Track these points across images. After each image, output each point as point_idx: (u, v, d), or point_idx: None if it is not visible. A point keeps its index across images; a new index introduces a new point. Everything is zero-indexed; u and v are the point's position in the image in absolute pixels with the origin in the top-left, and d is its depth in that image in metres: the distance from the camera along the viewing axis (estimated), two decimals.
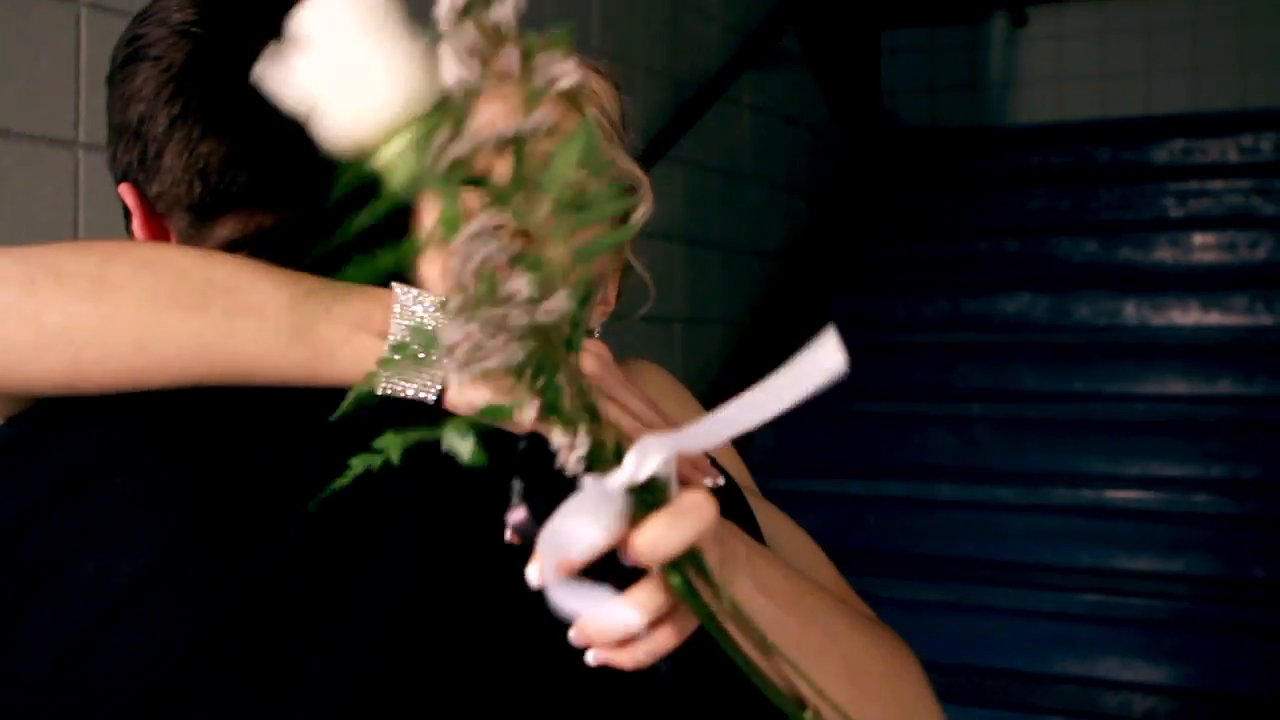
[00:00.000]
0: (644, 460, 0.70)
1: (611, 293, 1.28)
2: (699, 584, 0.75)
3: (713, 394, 4.43)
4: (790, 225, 4.72)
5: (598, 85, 1.27)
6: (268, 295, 0.94)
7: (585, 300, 0.68)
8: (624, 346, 1.32)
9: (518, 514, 0.69)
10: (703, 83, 4.00)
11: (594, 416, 0.70)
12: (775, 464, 4.15)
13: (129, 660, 0.89)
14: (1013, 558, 3.55)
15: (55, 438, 0.98)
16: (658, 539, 0.71)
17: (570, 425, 0.69)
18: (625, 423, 0.96)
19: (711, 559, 0.77)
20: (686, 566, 0.74)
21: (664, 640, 0.76)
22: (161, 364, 0.95)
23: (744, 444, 4.29)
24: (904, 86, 5.61)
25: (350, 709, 0.88)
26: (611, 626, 0.73)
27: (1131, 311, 4.17)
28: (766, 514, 1.13)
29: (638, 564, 0.72)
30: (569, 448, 0.69)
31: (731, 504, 0.99)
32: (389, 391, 0.92)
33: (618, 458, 0.70)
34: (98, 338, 0.95)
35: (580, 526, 0.69)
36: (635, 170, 1.30)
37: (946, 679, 3.28)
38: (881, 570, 3.58)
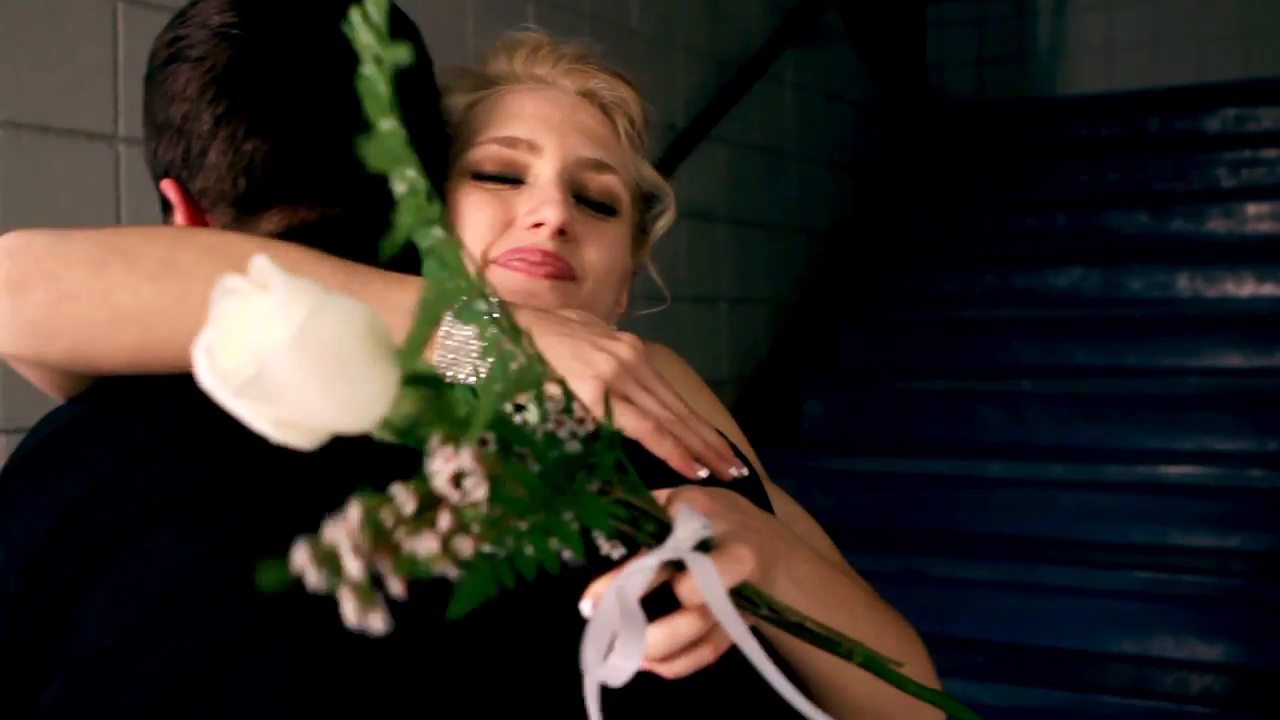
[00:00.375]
0: (686, 534, 0.79)
1: (624, 297, 1.30)
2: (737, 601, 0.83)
3: (760, 374, 4.42)
4: (835, 203, 4.69)
5: (625, 93, 1.29)
6: (326, 281, 0.97)
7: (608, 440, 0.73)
8: (671, 328, 1.32)
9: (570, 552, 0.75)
10: (744, 61, 3.97)
11: (633, 520, 0.77)
12: (825, 443, 4.13)
13: (188, 638, 0.93)
14: (1065, 535, 3.52)
15: (118, 417, 1.02)
16: (697, 591, 0.79)
17: (611, 535, 0.75)
18: (656, 414, 0.99)
19: (753, 579, 0.84)
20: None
21: (704, 655, 0.82)
22: None
23: (793, 424, 4.28)
24: (950, 60, 5.55)
25: (387, 692, 0.91)
26: (658, 646, 0.81)
27: (1185, 284, 4.11)
28: (772, 495, 1.16)
29: (684, 603, 0.81)
30: (612, 548, 0.76)
31: (753, 493, 1.01)
32: (444, 369, 0.96)
33: (657, 537, 0.78)
34: (165, 317, 0.98)
35: (636, 581, 0.78)
36: (658, 179, 1.32)
37: (998, 658, 3.26)
38: (932, 549, 3.56)
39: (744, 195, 4.08)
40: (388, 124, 0.63)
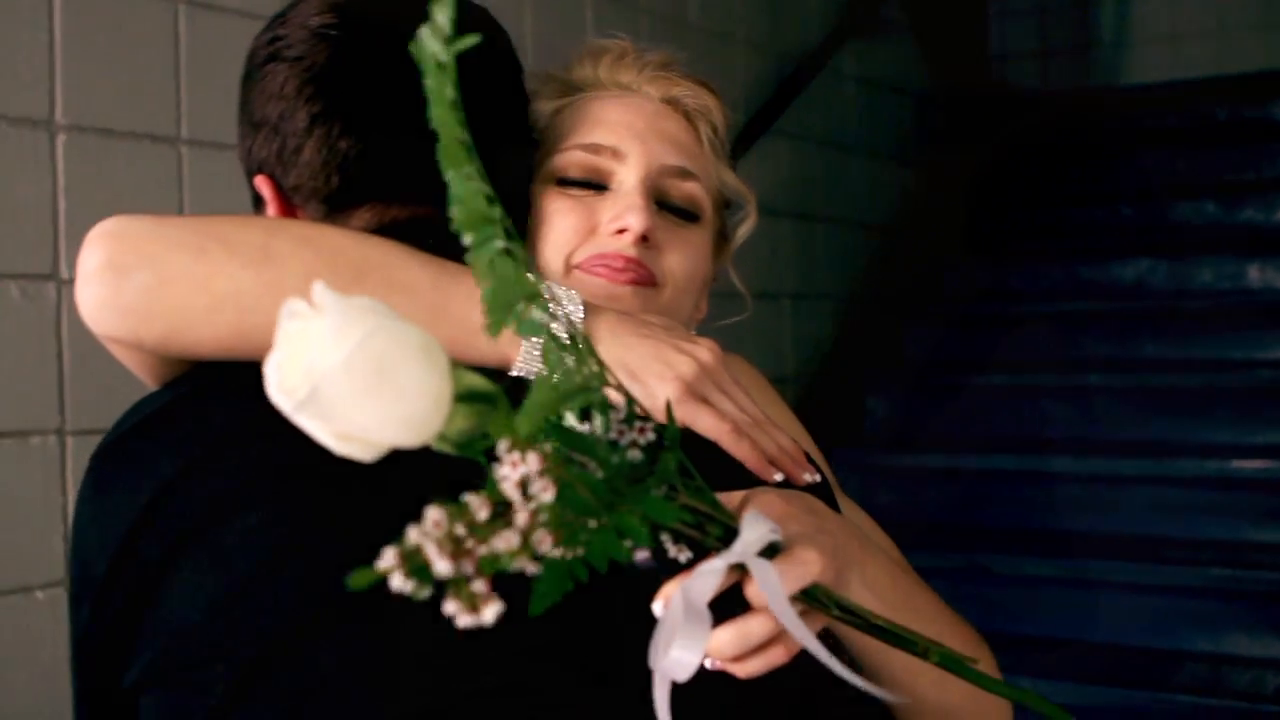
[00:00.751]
0: (754, 541, 0.80)
1: (704, 303, 1.32)
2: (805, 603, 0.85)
3: (824, 371, 4.38)
4: (897, 196, 4.65)
5: (709, 101, 1.31)
6: (417, 274, 1.02)
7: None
8: (734, 324, 1.34)
9: (642, 554, 0.76)
10: (804, 55, 3.95)
11: (698, 524, 0.79)
12: (889, 440, 4.10)
13: (272, 614, 0.97)
14: (1136, 531, 3.47)
15: (208, 404, 1.06)
16: (763, 594, 0.81)
17: (678, 538, 0.78)
18: (735, 417, 1.01)
19: (825, 580, 0.85)
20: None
21: (776, 655, 0.83)
22: None
23: (857, 420, 4.25)
24: (1014, 51, 5.49)
25: (452, 663, 0.95)
26: (729, 647, 0.82)
27: (1255, 275, 4.04)
28: (838, 499, 1.18)
29: (753, 605, 0.82)
30: (679, 551, 0.78)
31: (825, 500, 1.03)
32: (523, 373, 1.01)
33: (724, 541, 0.80)
34: (262, 304, 1.01)
35: (704, 583, 0.79)
36: (740, 185, 1.34)
37: (1068, 655, 3.22)
38: (999, 545, 3.52)
39: (806, 190, 4.05)
40: (451, 127, 0.66)
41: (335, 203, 1.13)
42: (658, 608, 0.80)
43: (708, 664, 0.83)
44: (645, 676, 0.81)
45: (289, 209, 1.16)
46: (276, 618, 0.97)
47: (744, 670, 0.84)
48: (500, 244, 0.69)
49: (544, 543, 0.64)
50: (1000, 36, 5.52)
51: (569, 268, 1.21)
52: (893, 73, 4.61)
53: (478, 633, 0.64)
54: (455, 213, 0.69)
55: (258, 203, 1.18)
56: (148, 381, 1.12)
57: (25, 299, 1.92)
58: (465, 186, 0.67)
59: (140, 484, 1.02)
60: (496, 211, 0.68)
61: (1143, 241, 4.38)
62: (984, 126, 5.10)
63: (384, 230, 1.11)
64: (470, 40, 0.66)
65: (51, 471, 1.94)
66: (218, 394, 1.05)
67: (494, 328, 0.68)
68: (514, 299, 0.70)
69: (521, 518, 0.63)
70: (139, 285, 1.02)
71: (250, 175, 1.18)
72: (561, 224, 1.22)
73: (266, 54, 1.16)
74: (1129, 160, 4.79)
